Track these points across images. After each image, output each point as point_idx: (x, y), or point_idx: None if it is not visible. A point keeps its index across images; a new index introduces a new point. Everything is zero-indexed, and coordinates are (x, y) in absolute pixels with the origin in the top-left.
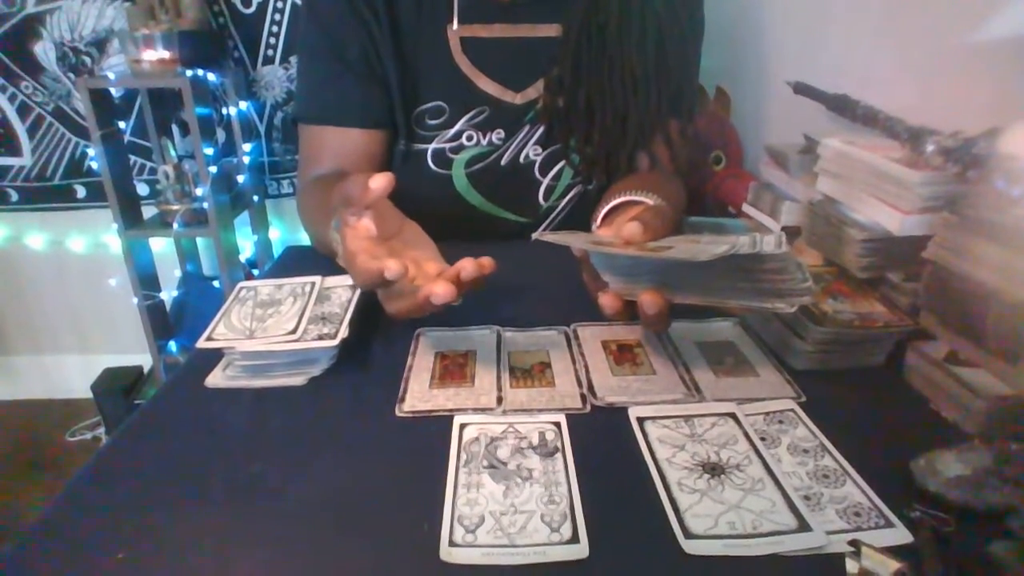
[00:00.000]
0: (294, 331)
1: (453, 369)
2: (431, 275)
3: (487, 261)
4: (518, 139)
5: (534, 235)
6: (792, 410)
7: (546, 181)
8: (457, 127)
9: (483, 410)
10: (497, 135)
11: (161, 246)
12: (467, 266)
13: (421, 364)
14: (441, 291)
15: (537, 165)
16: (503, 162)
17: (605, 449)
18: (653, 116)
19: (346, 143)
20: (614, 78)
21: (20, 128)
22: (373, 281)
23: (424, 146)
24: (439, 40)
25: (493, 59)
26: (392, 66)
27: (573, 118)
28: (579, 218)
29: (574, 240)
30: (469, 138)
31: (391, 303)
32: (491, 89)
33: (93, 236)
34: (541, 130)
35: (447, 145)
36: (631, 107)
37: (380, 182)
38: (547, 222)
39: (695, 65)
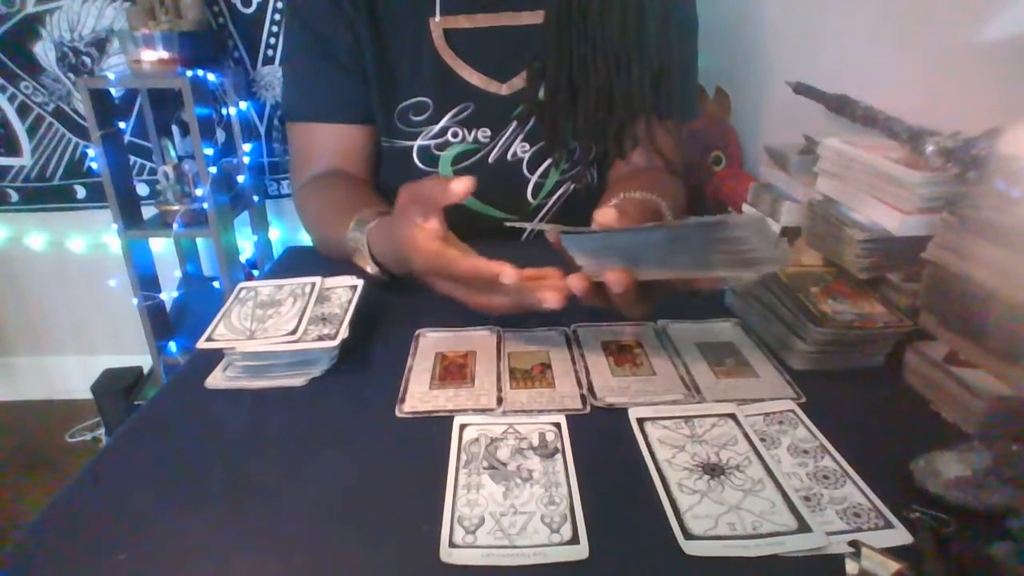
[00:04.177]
0: (294, 332)
1: (453, 370)
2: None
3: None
4: (504, 137)
5: (516, 223)
6: (792, 411)
7: (534, 178)
8: (442, 123)
9: (483, 411)
10: (483, 133)
11: (161, 246)
12: (574, 284)
13: (421, 365)
14: (553, 299)
15: (525, 163)
16: (490, 160)
17: (605, 450)
18: (636, 98)
19: (338, 140)
20: (597, 58)
21: (20, 128)
22: (481, 273)
23: (409, 143)
24: (422, 32)
25: (477, 49)
26: (372, 60)
27: (557, 106)
28: (568, 216)
29: (548, 227)
30: (455, 135)
31: (490, 299)
32: (476, 80)
33: (93, 236)
34: (527, 128)
35: (432, 142)
36: (614, 87)
37: (464, 185)
38: (536, 220)
39: (683, 56)
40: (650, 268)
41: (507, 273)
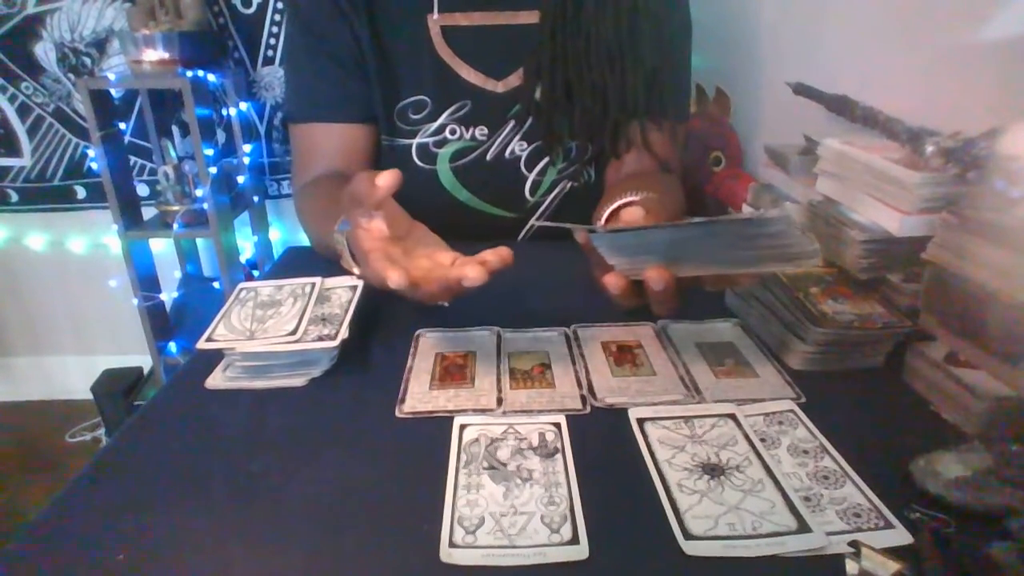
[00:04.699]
0: (294, 332)
1: (453, 370)
2: (446, 264)
3: (506, 252)
4: (503, 134)
5: (535, 222)
6: (792, 411)
7: (532, 176)
8: (440, 121)
9: (483, 411)
10: (480, 131)
11: (161, 247)
12: (489, 257)
13: (421, 365)
14: (473, 274)
15: (523, 160)
16: (488, 157)
17: (605, 450)
18: (630, 97)
19: (338, 140)
20: (591, 56)
21: (20, 129)
22: (382, 282)
23: (408, 141)
24: (420, 30)
25: (474, 47)
26: (372, 59)
27: (553, 104)
28: (567, 214)
29: (577, 227)
30: (452, 132)
31: (414, 293)
32: (473, 78)
33: (93, 237)
34: (525, 125)
35: (430, 140)
36: (609, 86)
37: (387, 179)
38: (534, 218)
39: (677, 58)
40: (689, 265)
41: (393, 279)
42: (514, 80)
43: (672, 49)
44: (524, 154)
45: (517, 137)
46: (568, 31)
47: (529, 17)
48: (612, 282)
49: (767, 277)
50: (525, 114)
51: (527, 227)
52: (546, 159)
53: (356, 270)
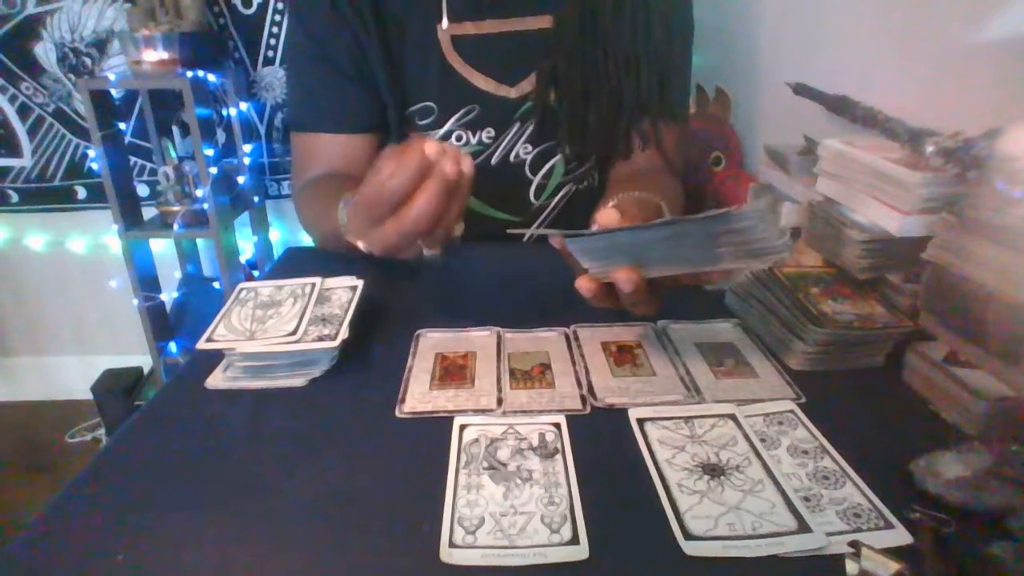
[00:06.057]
0: (294, 332)
1: (453, 370)
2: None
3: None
4: (508, 137)
5: (510, 230)
6: (792, 411)
7: (537, 179)
8: (447, 127)
9: (483, 411)
10: (487, 134)
11: (161, 247)
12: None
13: (421, 365)
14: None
15: (527, 163)
16: (493, 161)
17: (605, 450)
18: (644, 100)
19: (340, 149)
20: (608, 61)
21: (20, 129)
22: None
23: None
24: (430, 40)
25: (486, 55)
26: (380, 68)
27: (566, 108)
28: (570, 217)
29: (552, 231)
30: (459, 138)
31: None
32: (486, 85)
33: (93, 237)
34: (531, 128)
35: None
36: (624, 90)
37: (469, 163)
38: (538, 221)
39: (681, 59)
40: (658, 265)
41: (466, 163)
42: (527, 85)
43: (679, 49)
44: (529, 157)
45: (522, 140)
46: (585, 36)
47: (539, 22)
48: (583, 285)
49: (742, 271)
50: (532, 116)
51: (528, 234)
52: (551, 163)
53: (361, 244)
